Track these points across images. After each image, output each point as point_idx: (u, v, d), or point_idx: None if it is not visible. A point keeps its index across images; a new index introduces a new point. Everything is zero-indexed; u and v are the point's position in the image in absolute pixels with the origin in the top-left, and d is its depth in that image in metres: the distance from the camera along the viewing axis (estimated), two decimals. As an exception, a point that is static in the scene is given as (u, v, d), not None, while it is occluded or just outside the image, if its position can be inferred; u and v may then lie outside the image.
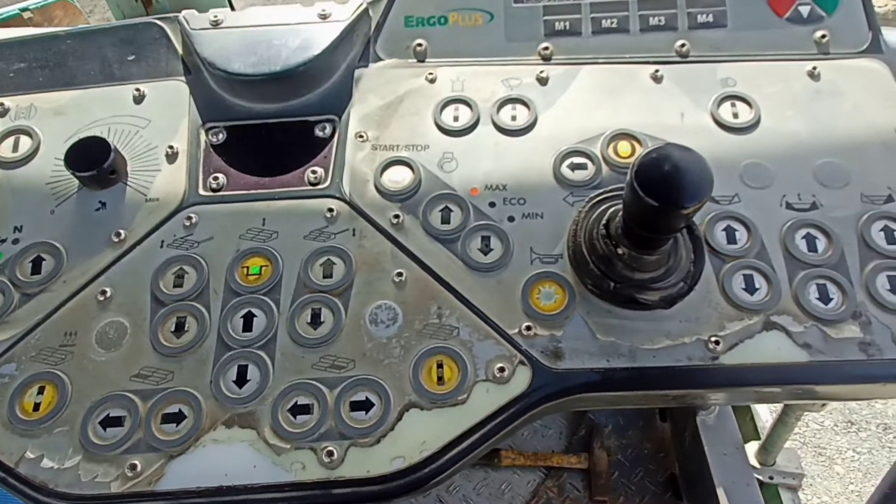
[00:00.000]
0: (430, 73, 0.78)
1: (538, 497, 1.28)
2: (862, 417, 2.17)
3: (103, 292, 0.66)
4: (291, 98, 0.77)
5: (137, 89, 0.78)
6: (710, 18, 0.78)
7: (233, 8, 1.63)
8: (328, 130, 0.75)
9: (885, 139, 0.69)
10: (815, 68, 0.74)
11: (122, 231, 0.69)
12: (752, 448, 1.28)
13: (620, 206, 0.59)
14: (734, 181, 0.69)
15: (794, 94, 0.73)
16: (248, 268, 0.67)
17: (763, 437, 1.26)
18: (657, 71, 0.76)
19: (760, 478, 1.27)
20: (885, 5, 3.76)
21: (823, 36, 0.76)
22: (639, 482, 1.31)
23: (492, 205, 0.69)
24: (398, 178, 0.71)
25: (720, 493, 1.14)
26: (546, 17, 0.79)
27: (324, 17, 0.79)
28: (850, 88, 0.73)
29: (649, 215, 0.53)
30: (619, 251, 0.60)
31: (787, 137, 0.71)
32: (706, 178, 0.51)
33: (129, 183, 0.72)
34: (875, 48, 0.75)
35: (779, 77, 0.75)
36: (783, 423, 1.19)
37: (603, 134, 0.72)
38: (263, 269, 0.67)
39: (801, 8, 0.77)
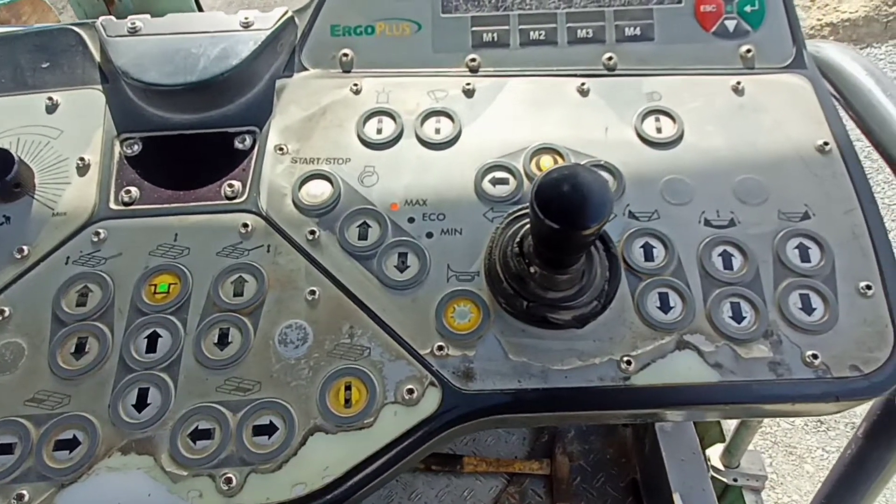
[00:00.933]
0: (356, 84, 0.77)
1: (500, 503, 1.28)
2: (831, 417, 2.21)
3: (1, 312, 0.63)
4: (211, 109, 0.75)
5: (50, 98, 0.75)
6: (638, 32, 0.77)
7: (200, 9, 1.61)
8: (248, 142, 0.73)
9: (803, 155, 0.70)
10: (739, 83, 0.74)
11: (25, 247, 0.66)
12: (716, 451, 1.31)
13: (534, 224, 0.58)
14: (655, 197, 0.68)
15: (717, 109, 0.73)
16: (155, 286, 0.65)
17: (727, 439, 1.27)
18: (583, 84, 0.75)
19: (725, 480, 1.29)
20: (856, 11, 3.82)
21: (749, 51, 0.76)
22: (600, 487, 1.32)
23: (411, 220, 0.68)
24: (317, 192, 0.70)
25: (676, 498, 1.15)
26: (474, 28, 0.78)
27: (246, 25, 0.77)
28: (773, 104, 0.73)
29: (551, 236, 0.52)
30: (532, 270, 0.59)
31: (708, 153, 0.70)
32: (605, 199, 0.50)
33: (35, 196, 0.70)
34: (799, 63, 0.76)
35: (703, 91, 0.74)
36: (746, 426, 1.21)
37: (526, 148, 0.71)
38: (172, 287, 0.64)
39: (727, 22, 0.77)
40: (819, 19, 3.81)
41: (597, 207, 0.49)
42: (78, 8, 1.43)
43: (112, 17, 0.78)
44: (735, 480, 1.31)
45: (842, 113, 0.77)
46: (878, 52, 3.64)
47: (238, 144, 0.74)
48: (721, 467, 1.30)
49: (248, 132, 0.74)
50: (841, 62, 0.83)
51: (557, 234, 0.51)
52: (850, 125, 0.83)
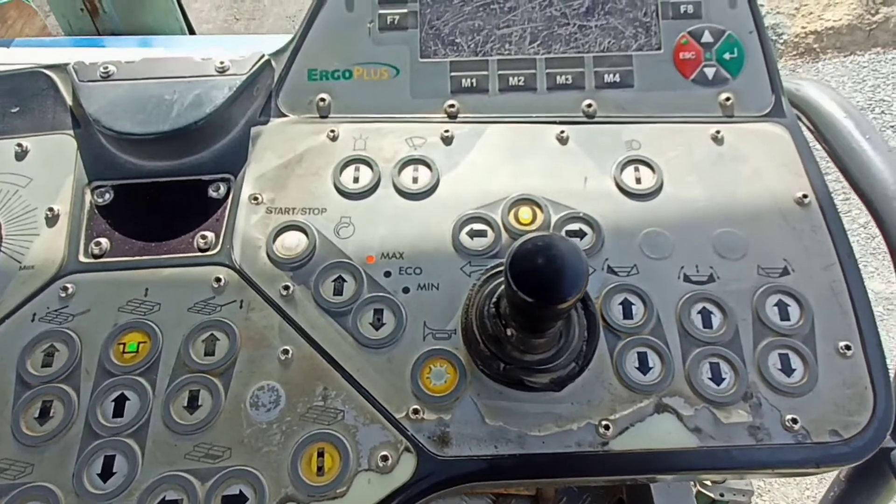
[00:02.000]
0: (332, 130, 0.75)
1: (486, 523, 1.27)
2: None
3: (-37, 374, 0.61)
4: (185, 156, 0.74)
5: (20, 144, 0.74)
6: (617, 78, 0.77)
7: (192, 31, 1.59)
8: (222, 191, 0.72)
9: (782, 208, 0.69)
10: (718, 132, 0.74)
11: (-10, 303, 0.65)
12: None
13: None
14: (634, 251, 0.67)
15: (696, 159, 0.73)
16: (124, 344, 0.63)
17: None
18: (563, 132, 0.75)
19: (711, 495, 1.29)
20: (840, 19, 3.86)
21: (728, 98, 0.75)
22: (587, 508, 1.31)
23: (387, 274, 0.67)
24: (292, 244, 0.68)
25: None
26: (453, 74, 0.77)
27: (222, 70, 0.76)
28: (752, 153, 0.73)
29: (526, 307, 0.51)
30: (508, 332, 0.58)
31: (687, 204, 0.70)
32: (581, 272, 0.49)
33: (2, 249, 0.68)
34: (777, 112, 0.75)
35: (683, 140, 0.74)
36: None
37: (504, 199, 0.71)
38: (141, 345, 0.63)
39: (706, 70, 0.77)
40: (803, 27, 3.86)
41: (572, 281, 0.48)
42: (62, 19, 1.41)
43: (84, 61, 0.77)
44: (721, 496, 1.31)
45: (821, 154, 0.78)
46: (862, 59, 3.69)
47: (212, 193, 0.72)
48: (708, 482, 1.30)
49: (222, 180, 0.73)
50: (820, 102, 0.83)
51: (532, 306, 0.50)
52: (829, 166, 0.83)
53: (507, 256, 0.51)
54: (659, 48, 0.77)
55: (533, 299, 0.49)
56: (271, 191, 0.72)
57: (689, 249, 0.67)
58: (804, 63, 3.83)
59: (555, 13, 0.79)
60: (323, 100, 0.77)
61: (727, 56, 0.77)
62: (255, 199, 0.71)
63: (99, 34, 1.42)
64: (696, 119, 0.75)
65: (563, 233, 0.68)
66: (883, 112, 3.51)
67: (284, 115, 0.77)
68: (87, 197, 0.72)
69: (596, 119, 0.76)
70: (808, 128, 0.84)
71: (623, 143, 0.74)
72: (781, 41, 3.82)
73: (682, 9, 0.78)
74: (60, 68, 0.78)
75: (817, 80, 0.94)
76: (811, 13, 3.94)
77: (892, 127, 3.44)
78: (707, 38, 0.77)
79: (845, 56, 3.81)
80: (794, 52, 3.84)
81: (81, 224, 0.70)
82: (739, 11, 0.78)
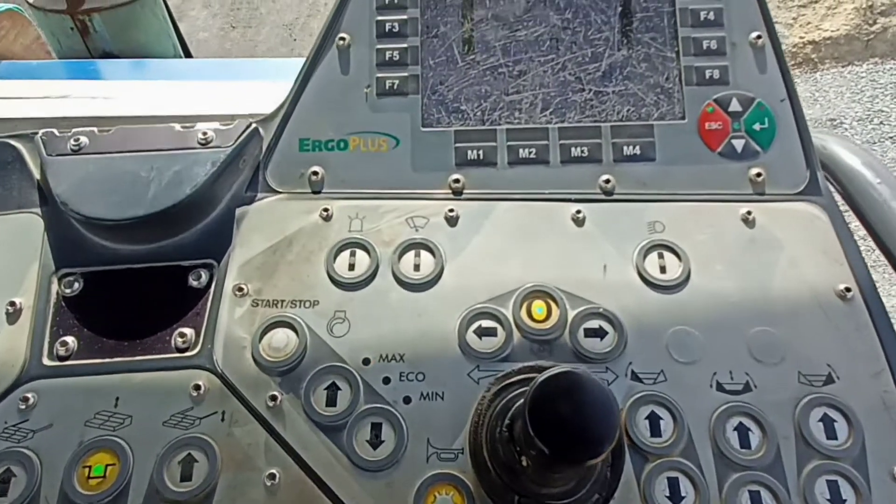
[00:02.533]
0: (326, 209, 0.69)
1: None
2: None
3: None
4: (162, 239, 0.67)
5: (-20, 226, 0.67)
6: (637, 151, 0.70)
7: (185, 47, 1.53)
8: (204, 279, 0.65)
9: (822, 303, 0.63)
10: (749, 213, 0.67)
11: (-60, 418, 0.58)
12: None
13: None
14: (660, 353, 0.61)
15: (726, 244, 0.66)
16: (90, 468, 0.56)
17: None
18: (579, 212, 0.68)
19: None
20: (838, 29, 3.83)
21: (759, 174, 0.69)
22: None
23: (386, 381, 0.60)
24: (280, 343, 0.62)
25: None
26: (458, 145, 0.71)
27: (205, 142, 0.69)
28: (787, 238, 0.66)
29: (543, 458, 0.44)
30: (524, 462, 0.51)
31: (718, 298, 0.63)
32: (612, 423, 0.42)
33: (-44, 351, 0.61)
34: (813, 189, 0.69)
35: (711, 221, 0.67)
36: None
37: (516, 290, 0.64)
38: (109, 469, 0.56)
39: (734, 142, 0.70)
40: (801, 37, 3.85)
41: (602, 437, 0.42)
42: (52, 38, 1.36)
43: (54, 131, 0.70)
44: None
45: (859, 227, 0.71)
46: (860, 70, 3.67)
47: (192, 282, 0.65)
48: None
49: (203, 266, 0.66)
50: (849, 163, 0.78)
51: (549, 459, 0.43)
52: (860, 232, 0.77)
53: (527, 395, 0.44)
54: (682, 117, 0.71)
55: (556, 455, 0.42)
56: (258, 280, 0.65)
57: (722, 352, 0.61)
58: (802, 73, 3.79)
59: (569, 78, 0.72)
60: (315, 173, 0.70)
61: (757, 126, 0.70)
62: (240, 289, 0.64)
63: (89, 53, 1.37)
64: (725, 197, 0.69)
65: (581, 331, 0.62)
66: (882, 123, 3.49)
67: (273, 190, 0.70)
68: (54, 287, 0.65)
69: (615, 196, 0.69)
70: (834, 186, 0.78)
71: (645, 225, 0.67)
72: (780, 52, 3.80)
73: (708, 74, 0.71)
74: (28, 138, 0.71)
75: (843, 137, 0.88)
76: (809, 23, 3.93)
77: (890, 138, 3.42)
78: (735, 106, 0.71)
79: (843, 66, 3.81)
80: (793, 63, 3.81)
81: (47, 320, 0.63)
82: (770, 77, 0.71)
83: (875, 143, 3.41)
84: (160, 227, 0.66)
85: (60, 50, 1.36)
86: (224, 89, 1.01)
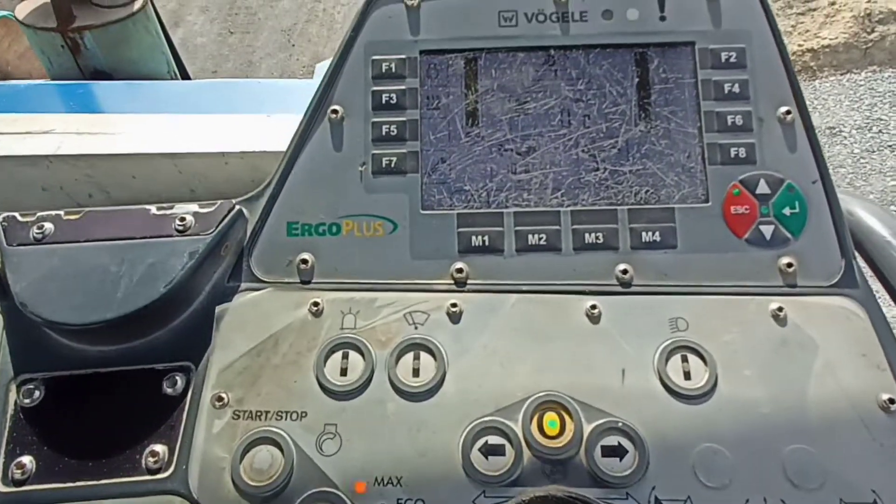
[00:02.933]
0: (316, 302, 0.62)
1: None
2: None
3: None
4: (134, 338, 0.61)
5: (-68, 324, 0.60)
6: (657, 237, 0.64)
7: (183, 68, 1.48)
8: (179, 386, 0.59)
9: (864, 416, 0.57)
10: (780, 308, 0.62)
11: None
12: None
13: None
14: (686, 476, 0.55)
15: (755, 345, 0.60)
16: None
17: None
18: (594, 307, 0.62)
19: None
20: (836, 38, 3.80)
21: (790, 265, 0.63)
22: None
23: (382, 510, 0.54)
24: (263, 464, 0.55)
25: None
26: (461, 230, 0.65)
27: (183, 229, 0.62)
28: (822, 338, 0.60)
29: None
30: None
31: (748, 410, 0.57)
32: None
33: None
34: (849, 281, 0.63)
35: (738, 318, 0.61)
36: None
37: (525, 400, 0.58)
38: None
39: (762, 228, 0.64)
40: (800, 45, 3.85)
41: None
42: (43, 56, 1.32)
43: (16, 215, 0.63)
44: None
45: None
46: (859, 77, 3.68)
47: (167, 389, 0.59)
48: None
49: (180, 370, 0.60)
50: (876, 230, 0.72)
51: None
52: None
53: None
54: (706, 200, 0.65)
55: None
56: (240, 387, 0.59)
57: (755, 475, 0.55)
58: (802, 81, 3.77)
59: (582, 155, 0.66)
60: (305, 261, 0.64)
61: (787, 211, 0.65)
62: (220, 399, 0.58)
63: (80, 71, 1.33)
64: (753, 289, 0.63)
65: (598, 449, 0.56)
66: (881, 131, 3.49)
67: (258, 280, 0.64)
68: (12, 396, 0.58)
69: (633, 289, 0.63)
70: (861, 256, 0.73)
71: (667, 322, 0.61)
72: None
73: (733, 152, 0.65)
74: None
75: (868, 201, 0.83)
76: (808, 31, 3.93)
77: (889, 146, 3.40)
78: (763, 188, 0.65)
79: (842, 74, 3.82)
80: (792, 70, 3.79)
81: (2, 437, 0.56)
82: (800, 156, 0.65)
83: (874, 151, 3.40)
84: (131, 327, 0.59)
85: (51, 68, 1.32)
86: (215, 123, 0.95)
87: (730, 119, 0.66)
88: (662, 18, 0.68)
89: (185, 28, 4.64)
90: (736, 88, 0.66)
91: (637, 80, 0.67)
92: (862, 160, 3.41)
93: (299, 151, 0.66)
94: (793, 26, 4.03)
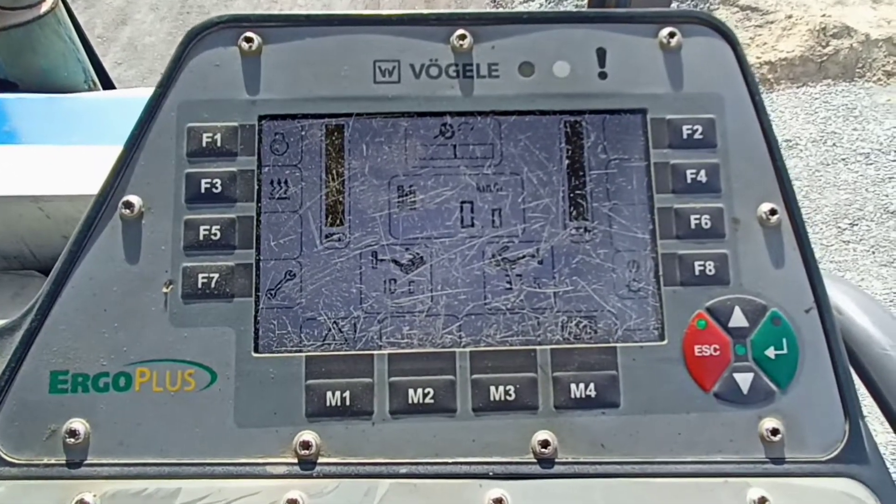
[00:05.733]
0: (84, 501, 0.41)
1: None
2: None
3: None
4: None
5: None
6: (592, 392, 0.46)
7: (107, 77, 1.30)
8: None
9: None
10: (764, 500, 0.43)
11: None
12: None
13: None
14: None
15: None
16: None
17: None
18: (500, 500, 0.43)
19: None
20: (793, 51, 3.79)
21: (775, 430, 0.45)
22: None
23: None
24: None
25: None
26: (310, 381, 0.45)
27: None
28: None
29: None
30: None
31: None
32: None
33: None
34: (855, 454, 0.45)
35: (705, 515, 0.43)
36: None
37: None
38: None
39: (737, 377, 0.46)
40: (758, 57, 3.94)
41: None
42: None
43: None
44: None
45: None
46: (814, 91, 3.69)
47: None
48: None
49: None
50: (864, 326, 0.56)
51: None
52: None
53: None
54: (660, 336, 0.46)
55: None
56: None
57: None
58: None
59: (488, 271, 0.46)
60: (74, 433, 0.43)
61: (771, 352, 0.46)
62: None
63: None
64: (724, 468, 0.44)
65: None
66: (835, 145, 3.54)
67: (3, 462, 0.42)
68: None
69: (556, 469, 0.44)
70: None
71: (600, 527, 0.42)
72: (736, 71, 3.93)
73: (698, 268, 0.47)
74: None
75: (859, 289, 0.67)
76: (765, 43, 3.99)
77: (843, 160, 3.42)
78: (738, 319, 0.46)
79: (798, 87, 3.89)
80: (748, 83, 3.84)
81: None
82: (789, 274, 0.47)
83: (829, 164, 3.43)
84: None
85: None
86: (97, 155, 0.73)
87: (693, 220, 0.47)
88: (602, 75, 0.49)
89: (133, 27, 4.42)
90: (702, 177, 0.48)
91: (567, 161, 0.48)
92: (817, 173, 3.41)
93: (73, 264, 0.45)
94: (751, 38, 4.06)
